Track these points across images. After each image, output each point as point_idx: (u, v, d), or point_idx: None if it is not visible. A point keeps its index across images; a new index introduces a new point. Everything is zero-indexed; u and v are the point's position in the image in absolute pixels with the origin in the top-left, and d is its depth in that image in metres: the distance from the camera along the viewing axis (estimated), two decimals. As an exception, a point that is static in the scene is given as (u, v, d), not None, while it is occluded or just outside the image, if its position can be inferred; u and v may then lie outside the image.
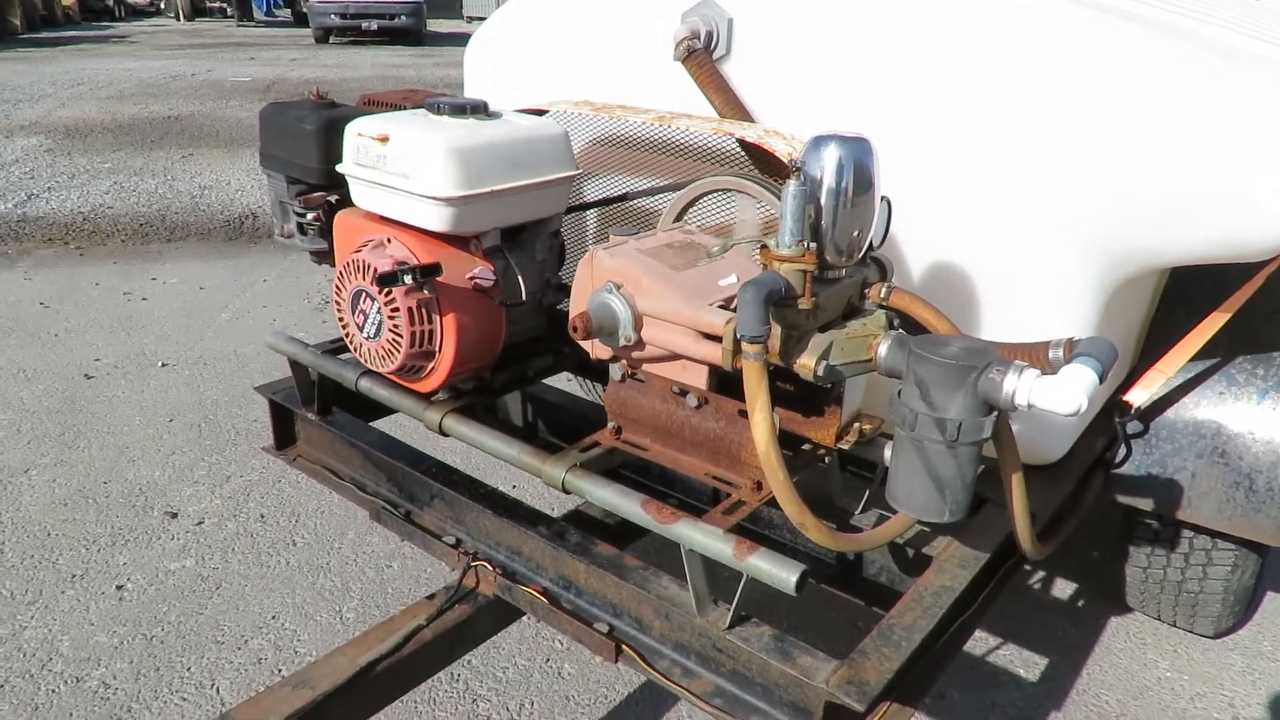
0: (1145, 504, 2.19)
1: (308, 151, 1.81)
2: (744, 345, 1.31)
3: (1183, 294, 2.27)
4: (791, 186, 1.31)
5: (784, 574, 1.34)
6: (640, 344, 1.56)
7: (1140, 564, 2.47)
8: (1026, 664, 2.57)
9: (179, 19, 25.73)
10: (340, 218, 1.82)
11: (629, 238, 1.65)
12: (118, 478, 3.34)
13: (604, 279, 1.56)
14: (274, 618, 2.63)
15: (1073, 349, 1.38)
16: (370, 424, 2.14)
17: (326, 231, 1.89)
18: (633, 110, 1.91)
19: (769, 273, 1.33)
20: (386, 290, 1.63)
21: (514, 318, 1.83)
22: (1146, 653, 2.62)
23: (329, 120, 1.80)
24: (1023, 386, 1.28)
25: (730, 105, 1.83)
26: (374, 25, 18.88)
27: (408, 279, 1.56)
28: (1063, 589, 2.89)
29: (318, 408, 2.09)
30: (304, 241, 1.91)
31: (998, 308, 1.82)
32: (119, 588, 2.73)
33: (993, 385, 1.30)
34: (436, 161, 1.58)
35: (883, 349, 1.42)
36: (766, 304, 1.28)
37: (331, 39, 19.98)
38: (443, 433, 1.78)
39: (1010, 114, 1.68)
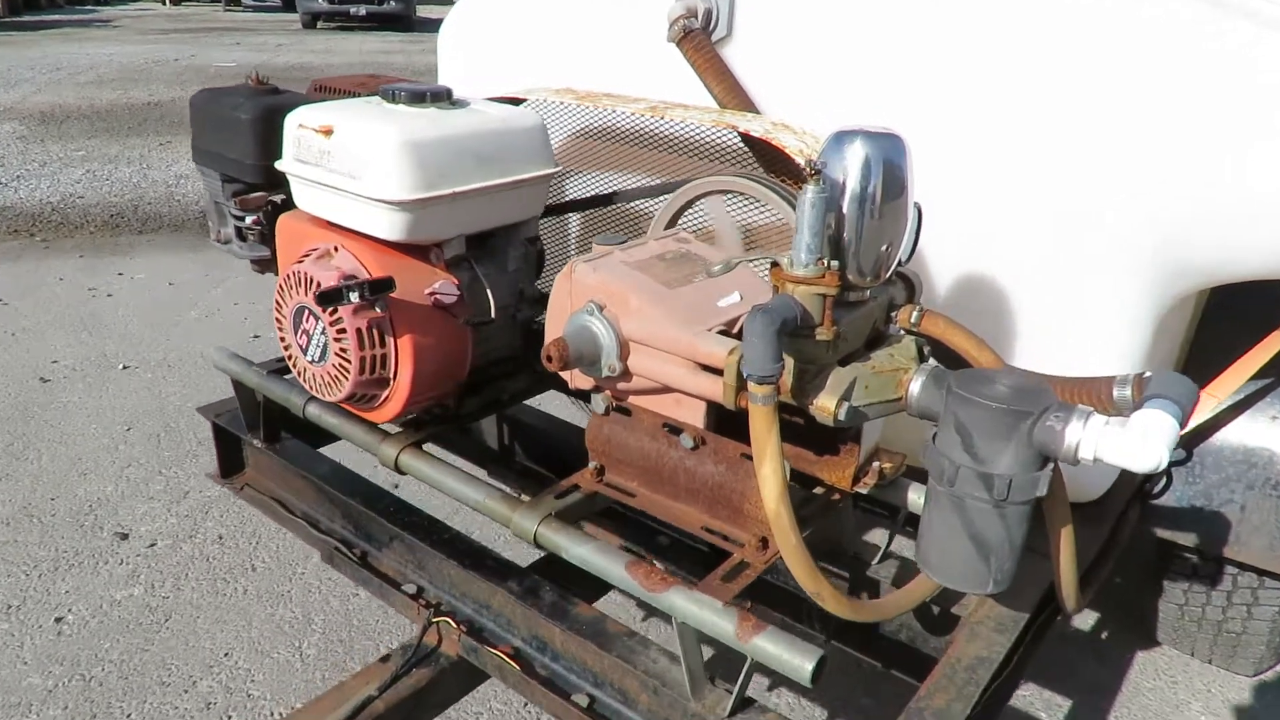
0: (1187, 539, 1.97)
1: (243, 145, 1.57)
2: (751, 386, 1.08)
3: (1230, 310, 2.05)
4: (809, 193, 1.08)
5: (797, 660, 1.12)
6: (627, 374, 1.33)
7: (1176, 600, 2.25)
8: (1048, 705, 2.36)
9: (165, 3, 25.31)
10: (283, 221, 1.58)
11: (614, 247, 1.42)
12: (67, 493, 3.10)
13: (584, 297, 1.33)
14: (227, 655, 2.40)
15: (1143, 388, 1.16)
16: (325, 449, 1.91)
17: (269, 237, 1.65)
18: (620, 100, 1.67)
19: (780, 297, 1.10)
20: (331, 309, 1.40)
21: (483, 336, 1.60)
22: (1178, 692, 2.41)
23: (268, 109, 1.56)
24: (1088, 437, 1.06)
25: (731, 94, 1.59)
26: (362, 10, 18.51)
27: (354, 296, 1.32)
28: (1086, 620, 2.68)
29: (264, 434, 1.85)
30: (243, 248, 1.67)
31: (1035, 327, 1.59)
32: (58, 620, 2.50)
33: (1051, 435, 1.07)
34: (387, 158, 1.34)
35: (915, 386, 1.20)
36: (779, 337, 1.05)
37: (319, 24, 19.61)
38: (399, 470, 1.55)
39: (1059, 106, 1.45)
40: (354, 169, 1.37)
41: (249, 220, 1.61)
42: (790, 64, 1.64)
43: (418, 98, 1.45)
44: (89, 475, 3.21)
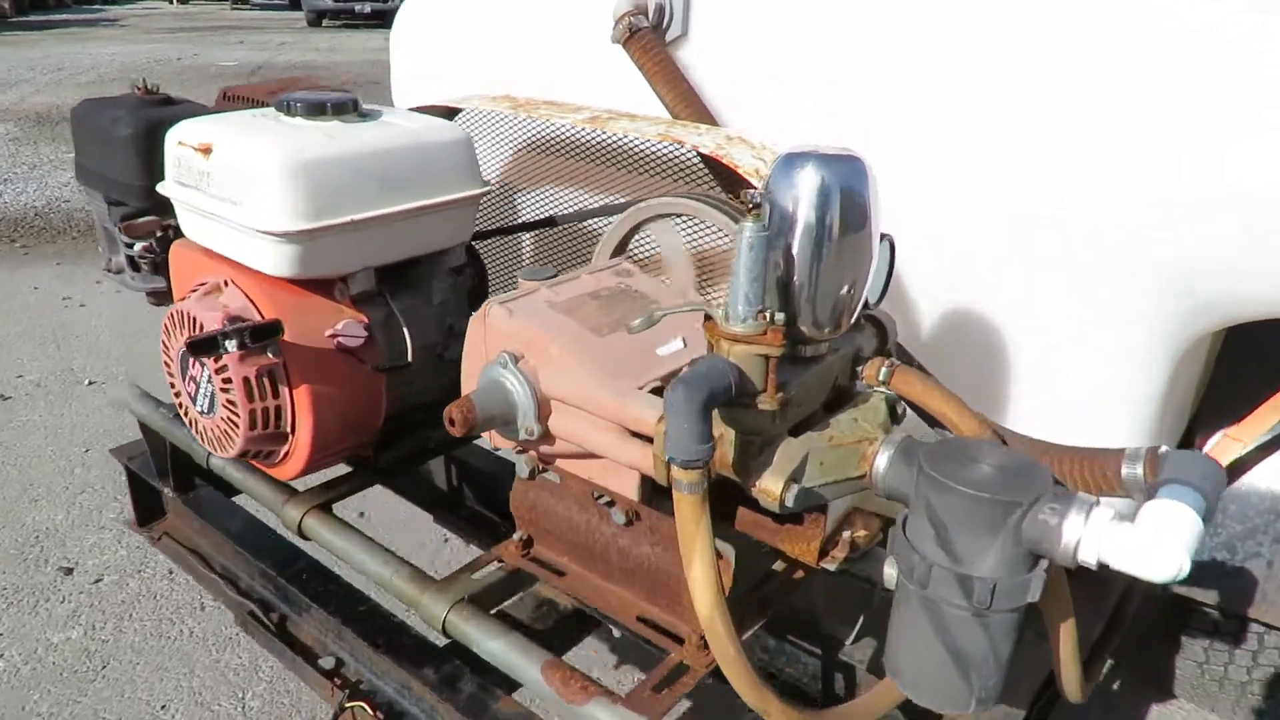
0: (1208, 596, 1.76)
1: (125, 164, 1.38)
2: (675, 471, 0.88)
3: (1253, 344, 1.83)
4: (747, 231, 0.88)
5: (733, 802, 0.92)
6: (549, 436, 1.13)
7: (1196, 657, 2.04)
8: (1054, 768, 2.14)
9: (172, 2, 25.26)
10: (176, 250, 1.40)
11: (541, 283, 1.22)
12: (14, 522, 2.93)
13: (500, 345, 1.14)
14: (164, 708, 2.22)
15: (1158, 466, 0.95)
16: (239, 498, 1.72)
17: (163, 266, 1.46)
18: (560, 108, 1.47)
19: (710, 360, 0.90)
20: (215, 356, 1.21)
21: (405, 378, 1.41)
22: (1198, 753, 2.20)
23: (150, 123, 1.37)
24: (1090, 536, 0.86)
25: (684, 102, 1.39)
26: (367, 8, 18.35)
27: (231, 345, 1.13)
28: (1096, 668, 2.46)
29: (174, 481, 1.67)
30: (135, 279, 1.48)
31: (1032, 371, 1.39)
32: (-13, 667, 2.33)
33: (1044, 531, 0.87)
34: (270, 182, 1.15)
35: (881, 462, 0.99)
36: (706, 412, 0.86)
37: (324, 22, 19.48)
38: (303, 536, 1.36)
39: (1069, 113, 1.24)
40: (234, 194, 1.18)
41: (138, 248, 1.42)
42: (753, 67, 1.44)
43: (316, 109, 1.26)
44: (40, 502, 3.04)
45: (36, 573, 2.70)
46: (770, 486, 0.95)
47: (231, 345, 1.13)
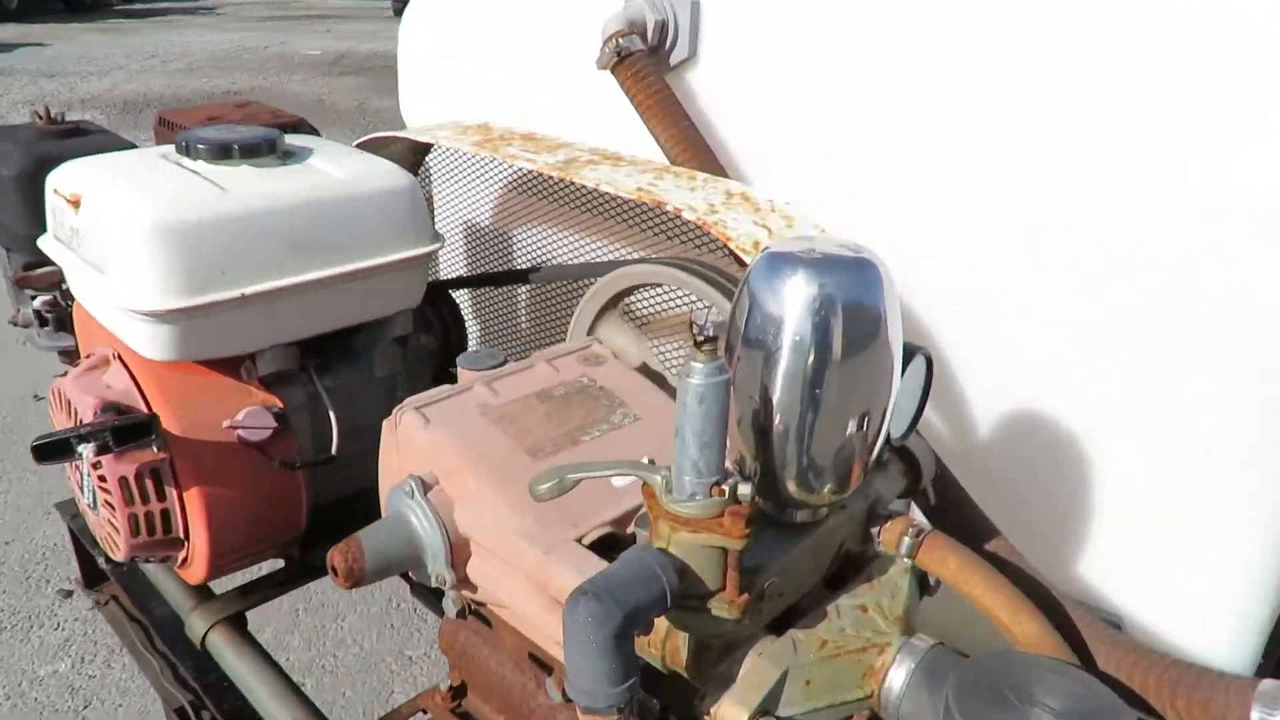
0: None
1: (11, 209, 1.18)
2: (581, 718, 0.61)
3: None
4: (695, 378, 0.60)
5: None
6: (469, 581, 0.88)
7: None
8: None
9: (267, -11, 25.85)
10: (79, 308, 1.18)
11: (480, 374, 0.97)
12: (23, 536, 2.84)
13: (412, 465, 0.89)
14: (136, 761, 2.07)
15: (1308, 726, 0.64)
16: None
17: (69, 322, 1.26)
18: (536, 144, 1.20)
19: (637, 556, 0.63)
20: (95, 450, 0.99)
21: (340, 463, 1.17)
22: None
23: (40, 162, 1.16)
24: None
25: (682, 143, 1.09)
26: (451, -4, 18.38)
27: (87, 451, 0.91)
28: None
29: (107, 553, 1.47)
30: (42, 336, 1.28)
31: (1116, 508, 1.06)
32: (-34, 703, 2.21)
33: (1128, 843, 0.58)
34: (135, 250, 0.92)
35: (895, 680, 0.70)
36: (621, 641, 0.58)
37: (409, 10, 19.63)
38: (206, 652, 1.14)
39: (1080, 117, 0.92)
40: (100, 259, 0.95)
41: (39, 302, 1.23)
42: (779, 98, 1.14)
43: (220, 152, 1.02)
44: (52, 515, 2.94)
45: (36, 595, 2.59)
46: (730, 717, 0.67)
47: (87, 451, 0.91)
